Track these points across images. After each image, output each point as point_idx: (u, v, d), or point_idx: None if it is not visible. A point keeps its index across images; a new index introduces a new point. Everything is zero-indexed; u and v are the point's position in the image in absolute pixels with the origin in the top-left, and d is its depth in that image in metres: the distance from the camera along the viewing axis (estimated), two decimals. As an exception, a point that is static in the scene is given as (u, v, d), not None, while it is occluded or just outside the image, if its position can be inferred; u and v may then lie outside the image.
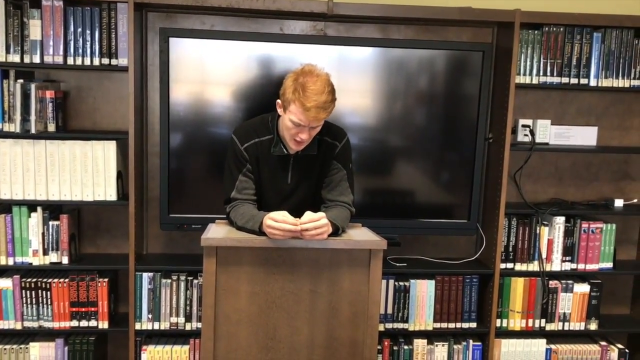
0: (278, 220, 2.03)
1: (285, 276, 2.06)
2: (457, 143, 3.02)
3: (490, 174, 3.09)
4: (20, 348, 2.87)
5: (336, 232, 2.14)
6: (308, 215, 2.06)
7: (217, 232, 2.13)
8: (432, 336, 3.08)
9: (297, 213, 2.11)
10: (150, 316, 2.90)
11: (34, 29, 2.70)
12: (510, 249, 3.05)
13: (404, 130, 2.99)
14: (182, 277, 2.91)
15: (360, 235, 2.18)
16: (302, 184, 2.34)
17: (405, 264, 3.04)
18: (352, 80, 2.93)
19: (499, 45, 3.03)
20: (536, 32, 2.93)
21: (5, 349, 2.86)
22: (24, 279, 2.83)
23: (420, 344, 3.04)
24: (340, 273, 2.09)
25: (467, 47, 2.99)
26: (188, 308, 2.91)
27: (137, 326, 2.90)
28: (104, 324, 2.88)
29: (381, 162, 3.01)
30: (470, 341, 3.08)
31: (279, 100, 2.23)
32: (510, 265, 3.06)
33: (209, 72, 2.87)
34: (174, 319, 2.91)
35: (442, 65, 2.97)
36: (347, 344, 2.11)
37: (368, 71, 2.94)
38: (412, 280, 3.01)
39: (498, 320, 3.06)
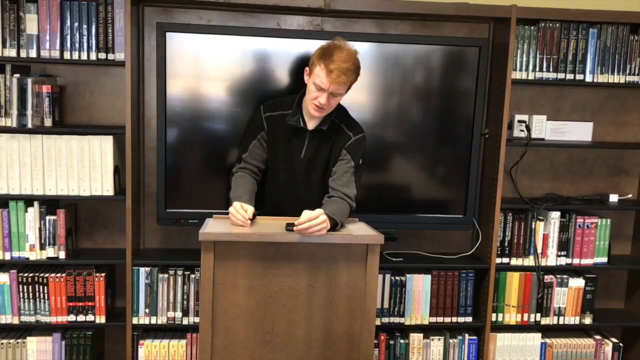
0: (237, 209, 2.19)
1: (283, 271, 2.07)
2: (453, 138, 3.03)
3: (486, 169, 3.11)
4: (18, 343, 2.87)
5: (335, 226, 2.16)
6: (306, 214, 2.08)
7: (214, 227, 2.14)
8: (428, 330, 3.10)
9: (306, 191, 2.34)
10: (147, 311, 2.91)
11: (31, 24, 2.70)
12: (506, 243, 3.07)
13: (400, 125, 3.00)
14: (179, 272, 2.91)
15: (358, 230, 2.20)
16: (314, 162, 2.41)
17: (401, 259, 3.05)
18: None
19: (495, 40, 3.04)
20: (532, 27, 2.94)
21: (2, 343, 2.86)
22: (20, 274, 2.83)
23: (416, 338, 3.06)
24: (337, 268, 2.10)
25: (463, 42, 2.99)
26: (185, 302, 2.92)
27: (134, 321, 2.90)
28: (101, 319, 2.88)
29: (378, 157, 3.01)
30: (466, 335, 3.10)
31: (307, 68, 2.36)
32: (505, 260, 3.08)
33: (205, 66, 2.86)
34: (171, 314, 2.92)
35: (439, 60, 2.98)
36: (345, 338, 2.12)
37: (365, 66, 2.92)
38: (408, 275, 3.03)
39: (494, 315, 3.08)
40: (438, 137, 3.03)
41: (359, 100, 2.96)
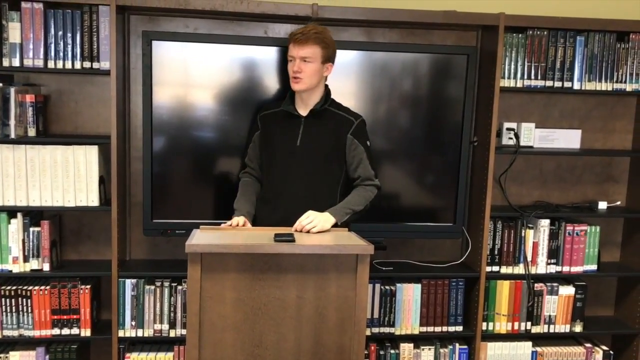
0: (233, 224, 2.33)
1: (272, 282, 2.04)
2: (442, 146, 3.02)
3: (475, 177, 3.10)
4: (0, 357, 2.81)
5: (351, 214, 2.35)
6: (297, 222, 2.27)
7: (201, 238, 2.10)
8: (418, 340, 3.07)
9: (304, 176, 2.40)
10: (133, 323, 2.86)
11: (13, 32, 2.65)
12: (496, 252, 3.06)
13: (389, 133, 2.98)
14: (166, 284, 2.87)
15: (347, 240, 2.17)
16: (311, 149, 2.43)
17: (391, 268, 3.03)
18: (336, 84, 2.90)
19: (484, 48, 3.04)
20: (520, 35, 2.94)
21: (-16, 358, 2.80)
22: (3, 287, 2.77)
23: (406, 348, 3.03)
24: (326, 278, 2.07)
25: (451, 50, 2.99)
26: (172, 314, 2.87)
27: (121, 333, 2.85)
28: (86, 332, 2.83)
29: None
30: (457, 344, 3.08)
31: None
32: (495, 268, 3.06)
33: (192, 75, 2.83)
34: (157, 326, 2.87)
35: (427, 68, 2.97)
36: (334, 350, 2.09)
37: (353, 74, 2.93)
38: (398, 284, 3.00)
39: (484, 324, 3.06)
40: (427, 145, 3.02)
41: (347, 106, 2.94)
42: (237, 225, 2.32)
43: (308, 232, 2.24)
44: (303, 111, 2.46)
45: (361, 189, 2.44)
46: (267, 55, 2.81)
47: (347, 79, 2.91)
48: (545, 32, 2.94)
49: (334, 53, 2.45)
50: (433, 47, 3.02)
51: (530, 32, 2.94)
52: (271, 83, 2.80)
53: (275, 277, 2.04)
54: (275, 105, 2.55)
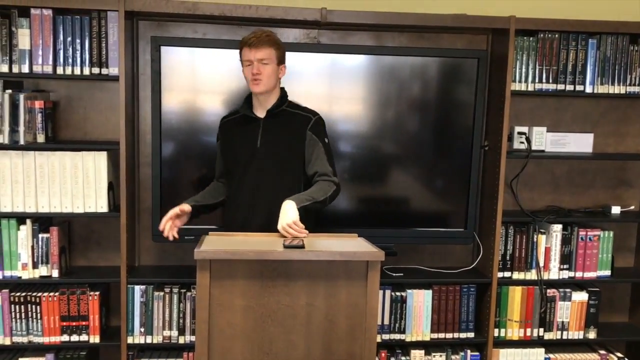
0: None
1: (281, 289, 2.02)
2: (452, 151, 2.99)
3: (486, 182, 3.06)
4: (10, 364, 2.81)
5: (312, 202, 2.32)
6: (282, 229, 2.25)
7: (210, 244, 2.09)
8: (429, 347, 3.04)
9: (265, 177, 2.43)
10: (142, 330, 2.84)
11: (23, 38, 2.66)
12: (508, 257, 3.02)
13: (399, 138, 2.96)
14: (175, 290, 2.85)
15: (357, 247, 2.14)
16: (270, 149, 2.45)
17: (402, 274, 3.00)
18: (346, 88, 2.90)
19: (494, 52, 3.01)
20: (531, 38, 2.91)
21: (-6, 365, 2.80)
22: (13, 293, 2.76)
23: (417, 354, 3.00)
24: (336, 285, 2.04)
25: (461, 54, 2.97)
26: (181, 321, 2.86)
27: (130, 340, 2.84)
28: (95, 338, 2.82)
29: (376, 170, 2.98)
30: (468, 351, 3.04)
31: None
32: (507, 274, 3.03)
33: (201, 81, 2.83)
34: (167, 333, 2.86)
35: (437, 72, 2.95)
36: (345, 358, 2.06)
37: (363, 79, 2.91)
38: (408, 291, 2.97)
39: (496, 330, 3.02)
40: (437, 150, 3.00)
41: (357, 113, 2.93)
42: (175, 215, 2.43)
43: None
44: (261, 114, 2.48)
45: (319, 182, 2.42)
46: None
47: (356, 83, 2.90)
48: (557, 35, 2.91)
49: (285, 55, 2.48)
50: (443, 51, 2.99)
51: (542, 35, 2.91)
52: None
53: (284, 284, 2.02)
54: (235, 112, 2.59)
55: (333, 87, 2.90)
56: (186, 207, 2.46)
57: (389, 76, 2.89)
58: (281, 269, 2.01)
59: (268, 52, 2.39)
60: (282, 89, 2.52)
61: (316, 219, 2.47)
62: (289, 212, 2.24)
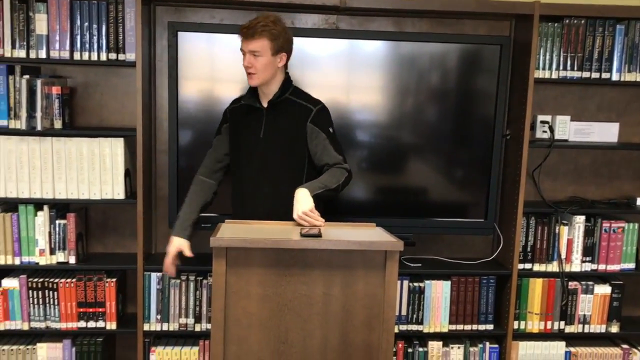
0: (167, 250, 2.50)
1: (298, 278, 1.99)
2: (473, 140, 2.94)
3: (507, 171, 3.00)
4: (28, 349, 2.81)
5: (325, 190, 2.28)
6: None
7: (227, 232, 2.06)
8: (447, 338, 3.00)
9: (268, 168, 2.37)
10: (159, 317, 2.84)
11: (40, 24, 2.64)
12: (529, 248, 2.96)
13: (418, 126, 2.91)
14: (192, 277, 2.84)
15: (375, 236, 2.10)
16: (273, 140, 2.39)
17: (420, 265, 2.96)
18: (365, 76, 2.85)
19: (517, 38, 2.93)
20: (556, 24, 2.83)
21: (12, 349, 2.80)
22: (30, 279, 2.77)
23: (435, 346, 2.96)
24: (354, 275, 2.01)
25: (484, 40, 2.90)
26: (197, 309, 2.85)
27: (146, 327, 2.83)
28: (111, 325, 2.82)
29: (395, 160, 2.93)
30: (487, 343, 2.99)
31: None
32: (528, 266, 2.97)
33: (218, 67, 2.80)
34: (183, 320, 2.85)
35: (458, 60, 2.88)
36: (362, 348, 2.03)
37: (382, 66, 2.86)
38: (427, 281, 2.93)
39: (515, 322, 2.97)
40: (458, 139, 2.94)
41: (375, 100, 2.88)
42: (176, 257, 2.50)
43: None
44: (265, 103, 2.41)
45: (331, 170, 2.36)
46: (295, 47, 2.74)
47: (375, 70, 2.84)
48: (583, 21, 2.83)
49: (287, 42, 2.34)
50: (464, 37, 2.93)
51: (567, 21, 2.83)
52: (297, 75, 2.74)
53: (301, 272, 1.99)
54: (241, 98, 2.51)
55: (351, 74, 2.85)
56: (184, 243, 2.49)
57: (409, 63, 2.83)
58: (298, 258, 1.98)
59: (260, 43, 2.28)
60: (287, 76, 2.43)
61: (325, 206, 2.40)
62: (304, 200, 2.21)
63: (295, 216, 2.20)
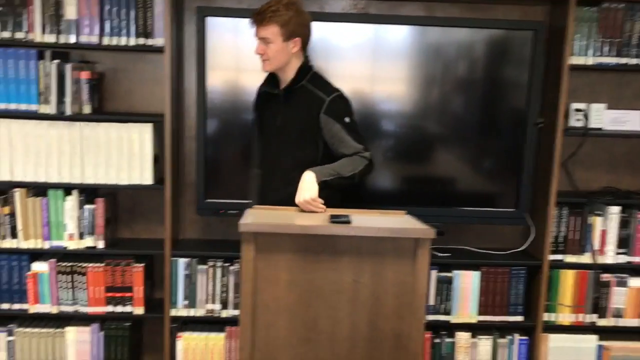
0: None
1: (327, 265, 1.96)
2: (504, 128, 2.88)
3: (540, 160, 2.93)
4: (56, 332, 2.84)
5: (336, 177, 2.21)
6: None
7: (255, 218, 2.04)
8: (475, 329, 2.95)
9: (282, 155, 2.31)
10: (186, 302, 2.84)
11: (70, 9, 2.65)
12: (561, 239, 2.89)
13: (447, 115, 2.86)
14: (219, 264, 2.84)
15: (405, 224, 2.07)
16: (286, 128, 2.33)
17: (450, 254, 2.91)
18: (393, 64, 2.80)
19: (552, 23, 2.85)
20: (593, 9, 2.75)
21: (41, 332, 2.84)
22: (59, 263, 2.79)
23: (463, 337, 2.91)
24: (384, 263, 1.97)
25: (517, 25, 2.83)
26: (224, 295, 2.85)
27: (173, 312, 2.84)
28: (138, 310, 2.83)
29: (423, 149, 2.89)
30: (517, 335, 2.94)
31: None
32: (560, 257, 2.90)
33: (246, 52, 2.75)
34: (210, 306, 2.85)
35: (489, 46, 2.82)
36: (391, 337, 2.00)
37: (413, 53, 2.80)
38: (455, 271, 2.88)
39: (546, 314, 2.91)
40: (489, 127, 2.88)
41: (404, 89, 2.83)
42: None
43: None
44: (282, 89, 2.35)
45: (349, 157, 2.26)
46: (323, 32, 2.71)
47: (405, 57, 2.79)
48: (622, 5, 2.74)
49: (299, 27, 2.25)
50: (497, 22, 2.86)
51: (605, 5, 2.74)
52: (327, 60, 2.71)
53: (330, 259, 1.96)
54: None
55: (379, 62, 2.81)
56: None
57: (441, 49, 2.78)
58: (327, 244, 1.95)
59: (271, 30, 2.22)
60: (305, 62, 2.33)
61: (344, 195, 2.34)
62: (307, 187, 2.16)
63: (296, 200, 2.16)
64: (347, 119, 2.29)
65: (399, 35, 2.79)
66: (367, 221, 2.07)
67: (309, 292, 1.97)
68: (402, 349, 2.01)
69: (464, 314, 2.90)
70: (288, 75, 2.32)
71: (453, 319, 2.90)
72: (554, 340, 2.95)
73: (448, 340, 2.92)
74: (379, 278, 1.98)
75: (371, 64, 2.81)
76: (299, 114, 2.31)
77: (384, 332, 2.00)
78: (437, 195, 2.92)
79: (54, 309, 2.81)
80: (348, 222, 1.99)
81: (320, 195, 2.17)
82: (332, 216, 2.03)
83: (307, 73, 2.33)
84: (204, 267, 2.83)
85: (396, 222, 2.09)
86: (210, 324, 2.92)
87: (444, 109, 2.85)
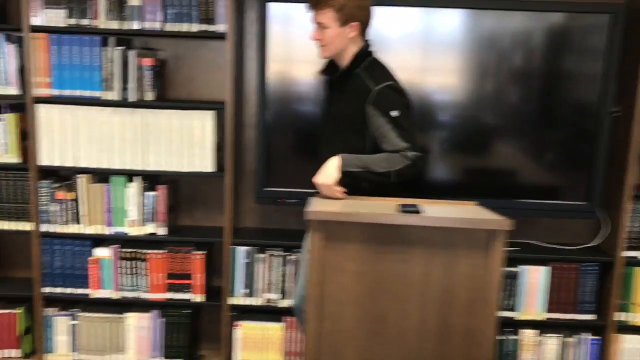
0: None
1: (396, 256, 1.89)
2: (575, 116, 2.74)
3: (614, 151, 2.77)
4: (117, 318, 2.87)
5: (364, 171, 2.10)
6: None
7: (322, 206, 1.99)
8: (542, 327, 2.83)
9: (328, 145, 2.23)
10: (245, 291, 2.82)
11: (134, -6, 2.65)
12: (635, 235, 2.74)
13: (514, 102, 2.73)
14: (277, 253, 2.80)
15: (478, 214, 1.98)
16: (336, 117, 2.27)
17: (518, 248, 2.79)
18: (457, 51, 2.70)
19: (631, 6, 2.69)
20: (677, -10, 2.58)
21: (102, 317, 2.87)
22: (121, 249, 2.81)
23: (528, 334, 2.80)
24: (456, 255, 1.89)
25: (592, 8, 2.67)
26: (282, 284, 2.81)
27: (231, 301, 2.83)
28: (198, 298, 2.83)
29: (487, 137, 2.77)
30: (587, 335, 2.81)
31: None
32: (634, 254, 2.75)
33: (308, 40, 2.70)
34: (268, 295, 2.82)
35: (562, 28, 2.68)
36: (462, 332, 1.92)
37: (481, 38, 2.69)
38: (521, 267, 2.77)
39: (619, 314, 2.77)
40: (558, 115, 2.75)
41: (467, 77, 2.72)
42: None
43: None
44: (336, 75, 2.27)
45: (388, 154, 2.11)
46: (393, 17, 2.63)
47: (466, 43, 2.69)
48: None
49: (357, 10, 2.14)
50: (570, 4, 2.71)
51: (690, -15, 2.57)
52: (397, 48, 2.63)
53: (400, 250, 1.89)
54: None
55: (437, 49, 2.71)
56: None
57: (510, 33, 2.66)
58: (396, 234, 1.89)
59: (326, 15, 2.14)
60: (362, 47, 2.21)
61: (379, 189, 2.18)
62: (327, 172, 2.11)
63: (314, 179, 2.12)
64: (394, 113, 2.11)
65: (471, 15, 2.68)
66: (437, 211, 1.99)
67: (377, 283, 1.91)
68: (473, 346, 1.93)
69: (531, 311, 2.78)
70: (345, 62, 2.24)
71: (518, 315, 2.79)
72: (628, 341, 2.80)
73: (512, 337, 2.81)
74: (450, 271, 1.90)
75: (436, 52, 2.72)
76: (347, 104, 2.21)
77: (454, 327, 1.92)
78: (500, 187, 2.81)
79: (115, 295, 2.84)
80: (418, 212, 1.91)
81: (345, 183, 2.11)
82: (403, 205, 1.96)
83: (363, 60, 2.22)
84: (263, 255, 2.81)
85: (468, 212, 2.00)
86: (268, 313, 2.90)
87: (512, 95, 2.73)
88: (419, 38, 2.70)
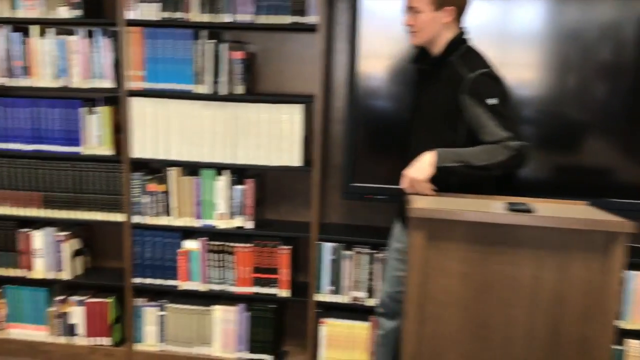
0: None
1: (504, 257, 1.78)
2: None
3: None
4: (204, 310, 2.88)
5: (462, 165, 1.96)
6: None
7: (424, 202, 1.90)
8: (650, 338, 2.63)
9: (420, 137, 2.15)
10: (330, 288, 2.77)
11: (227, -14, 2.64)
12: None
13: (621, 94, 2.54)
14: (365, 250, 2.74)
15: (593, 215, 1.83)
16: (426, 108, 2.17)
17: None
18: (543, 40, 2.54)
19: None
20: None
21: (190, 309, 2.89)
22: (209, 242, 2.82)
23: (635, 345, 2.61)
24: (569, 258, 1.76)
25: None
26: (370, 283, 2.74)
27: (317, 297, 2.78)
28: (284, 293, 2.80)
29: (584, 133, 2.60)
30: (701, 348, 2.59)
31: None
32: None
33: (400, 33, 2.62)
34: (354, 293, 2.76)
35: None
36: (576, 341, 1.78)
37: (566, 29, 2.52)
38: (630, 272, 2.57)
39: None
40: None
41: (554, 65, 2.56)
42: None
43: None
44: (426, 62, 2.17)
45: (489, 145, 1.96)
46: (477, 13, 2.50)
47: (549, 34, 2.52)
48: None
49: None
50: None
51: None
52: (489, 41, 2.50)
53: (508, 251, 1.78)
54: None
55: (526, 45, 2.56)
56: None
57: (596, 21, 2.47)
58: (505, 235, 1.77)
59: None
60: (458, 34, 2.10)
61: (470, 185, 2.06)
62: (420, 166, 1.98)
63: (404, 172, 2.01)
64: (491, 101, 1.98)
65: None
66: (550, 210, 1.86)
67: (483, 285, 1.81)
68: (586, 356, 1.79)
69: (638, 320, 2.59)
70: (437, 49, 2.12)
71: (624, 324, 2.60)
72: None
73: (617, 347, 2.62)
74: (563, 275, 1.77)
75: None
76: (439, 93, 2.09)
77: (566, 336, 1.79)
78: (593, 186, 2.62)
79: (202, 287, 2.85)
80: (529, 211, 1.79)
81: (439, 179, 1.98)
82: (511, 204, 1.84)
83: (457, 47, 2.09)
84: (350, 252, 2.74)
85: (582, 212, 1.86)
86: (353, 312, 2.83)
87: (610, 86, 2.54)
88: (498, 30, 2.56)
